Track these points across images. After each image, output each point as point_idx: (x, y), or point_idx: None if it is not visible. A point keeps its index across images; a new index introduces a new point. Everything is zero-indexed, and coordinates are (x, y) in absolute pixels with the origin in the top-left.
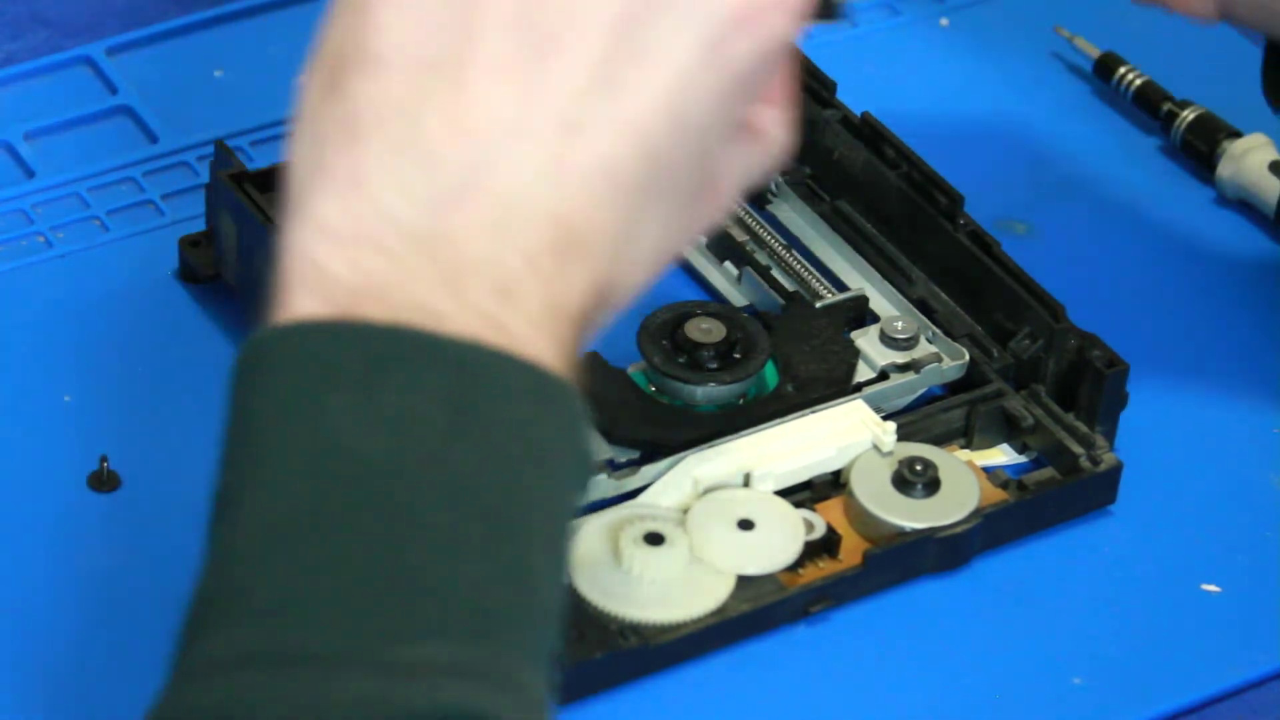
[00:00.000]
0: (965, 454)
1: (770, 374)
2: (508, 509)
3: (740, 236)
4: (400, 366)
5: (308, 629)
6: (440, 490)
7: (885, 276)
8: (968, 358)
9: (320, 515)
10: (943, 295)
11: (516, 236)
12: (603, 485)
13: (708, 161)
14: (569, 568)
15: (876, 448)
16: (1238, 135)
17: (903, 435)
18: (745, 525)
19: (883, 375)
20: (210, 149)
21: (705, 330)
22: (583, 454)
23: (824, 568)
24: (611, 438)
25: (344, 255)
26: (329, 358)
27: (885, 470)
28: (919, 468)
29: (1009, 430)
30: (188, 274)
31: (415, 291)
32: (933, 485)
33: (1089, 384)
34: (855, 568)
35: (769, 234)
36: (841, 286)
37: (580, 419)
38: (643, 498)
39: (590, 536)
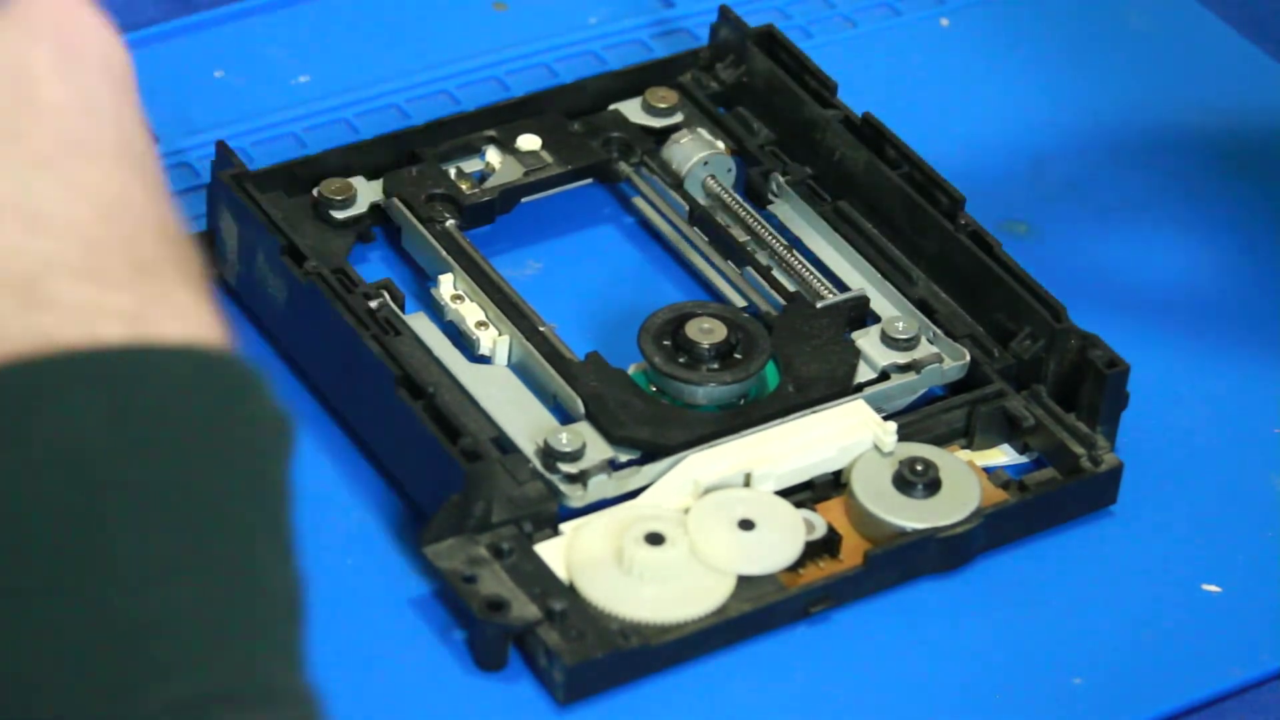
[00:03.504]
0: (966, 454)
1: (771, 374)
2: (211, 508)
3: (741, 236)
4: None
5: (30, 709)
6: (129, 516)
7: (886, 277)
8: (969, 358)
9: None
10: (943, 295)
11: None
12: (604, 486)
13: None
14: (293, 537)
15: (877, 448)
16: None
17: (904, 436)
18: (746, 525)
19: (883, 376)
20: (210, 149)
21: (706, 330)
22: (268, 415)
23: (825, 568)
24: (612, 438)
25: None
26: None
27: (886, 470)
28: (920, 468)
29: (1010, 430)
30: None
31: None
32: (934, 485)
33: (1090, 384)
34: (856, 568)
35: (770, 234)
36: (842, 287)
37: (251, 381)
38: (643, 498)
39: (591, 537)
